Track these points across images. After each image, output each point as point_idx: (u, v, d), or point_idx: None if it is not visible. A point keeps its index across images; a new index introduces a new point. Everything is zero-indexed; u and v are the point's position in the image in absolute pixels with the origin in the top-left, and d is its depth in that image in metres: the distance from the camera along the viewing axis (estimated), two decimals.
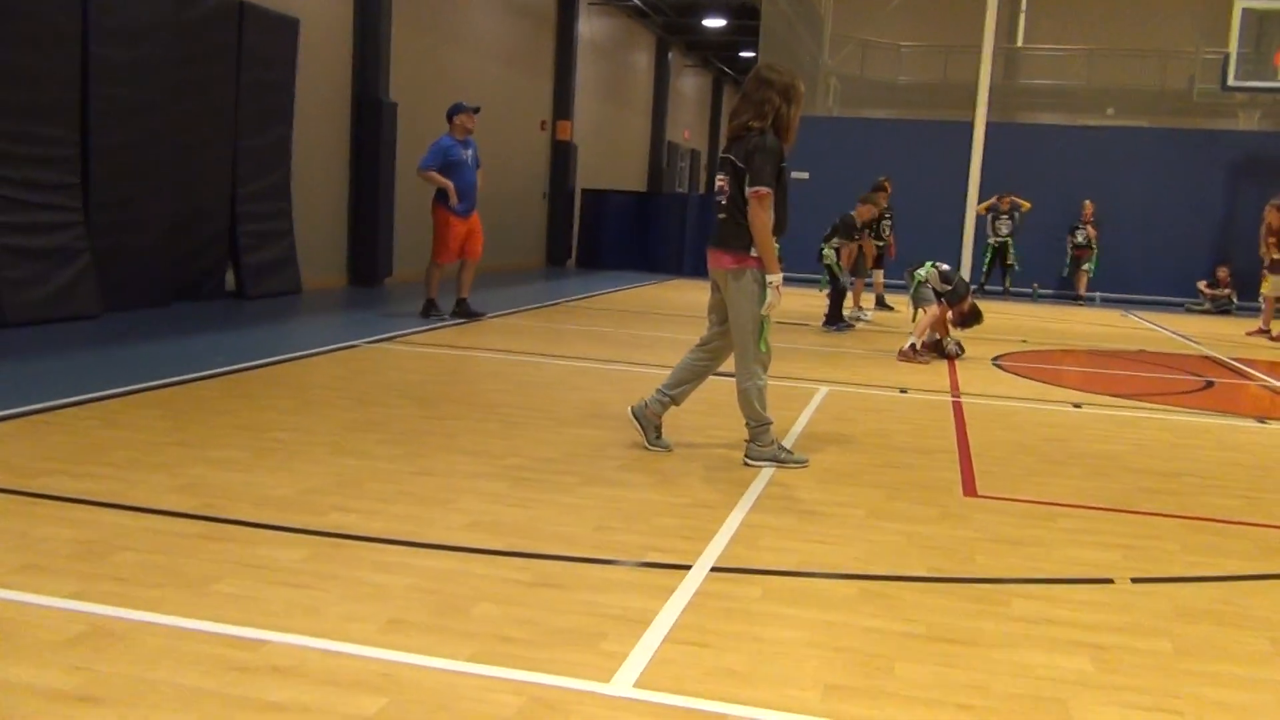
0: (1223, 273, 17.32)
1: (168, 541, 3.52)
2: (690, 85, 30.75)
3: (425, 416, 5.74)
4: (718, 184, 5.10)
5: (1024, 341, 11.23)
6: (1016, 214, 17.30)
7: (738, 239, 4.95)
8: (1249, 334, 13.08)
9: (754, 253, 4.91)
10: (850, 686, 2.72)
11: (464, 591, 3.22)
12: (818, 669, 2.81)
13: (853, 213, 11.40)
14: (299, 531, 3.70)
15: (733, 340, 5.11)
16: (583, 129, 20.96)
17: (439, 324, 9.79)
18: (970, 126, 18.39)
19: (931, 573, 3.66)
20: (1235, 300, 17.18)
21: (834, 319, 11.20)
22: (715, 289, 5.19)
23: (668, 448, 5.23)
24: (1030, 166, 18.37)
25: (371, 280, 13.09)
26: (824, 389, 7.24)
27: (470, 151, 9.94)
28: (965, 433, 6.12)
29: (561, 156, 19.58)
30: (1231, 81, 16.35)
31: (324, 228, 12.60)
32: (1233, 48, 16.02)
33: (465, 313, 10.18)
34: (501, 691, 2.58)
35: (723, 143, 5.25)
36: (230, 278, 10.86)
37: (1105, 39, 24.12)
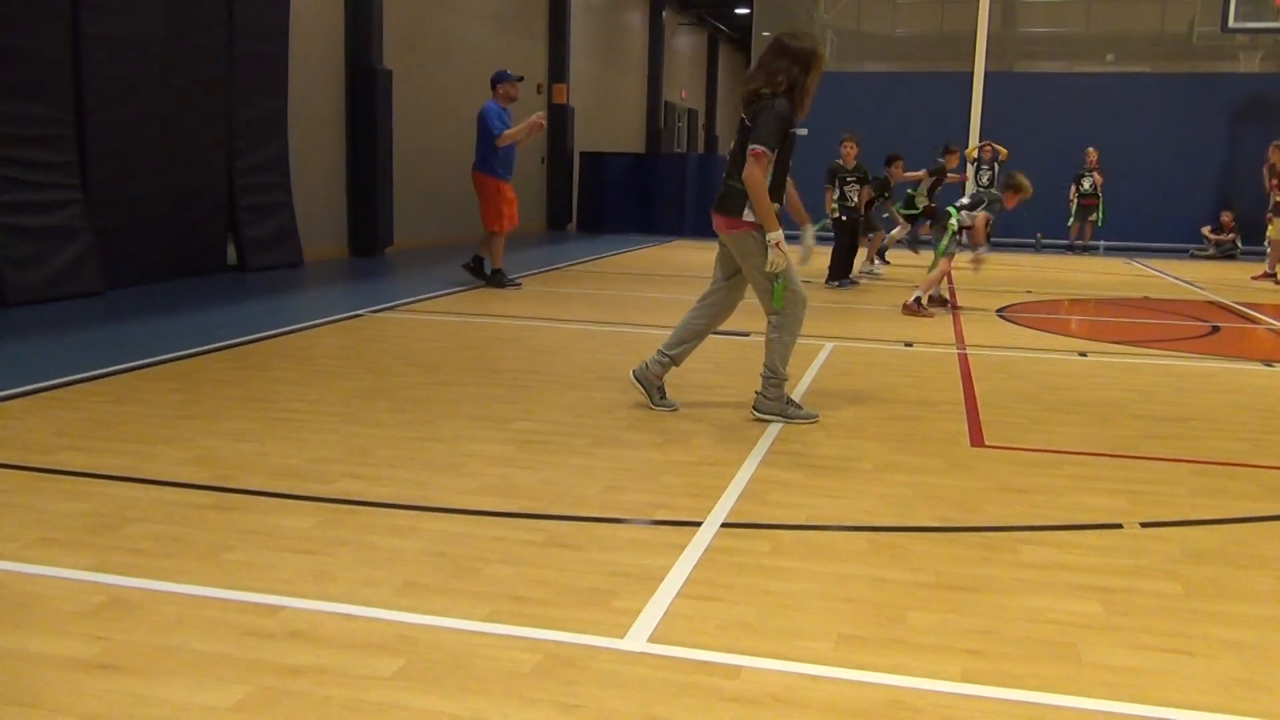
0: (1226, 217, 17.25)
1: (180, 513, 3.55)
2: (685, 44, 30.50)
3: (432, 383, 5.76)
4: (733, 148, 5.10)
5: (1029, 292, 11.21)
6: (996, 163, 17.24)
7: (732, 202, 4.94)
8: (1254, 278, 13.05)
9: (748, 215, 4.88)
10: (861, 636, 2.75)
11: (476, 553, 3.24)
12: (829, 620, 2.84)
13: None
14: (310, 499, 3.73)
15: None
16: (579, 92, 20.82)
17: (472, 287, 9.98)
18: (969, 77, 18.24)
19: (940, 522, 3.68)
20: (1240, 245, 17.12)
21: (839, 274, 11.20)
22: (722, 244, 5.20)
23: (673, 407, 5.24)
24: (1030, 116, 18.26)
25: (372, 250, 13.07)
26: (829, 345, 7.24)
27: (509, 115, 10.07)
28: (971, 384, 6.13)
29: (558, 120, 19.46)
30: (1232, 23, 16.16)
31: (323, 199, 12.57)
32: None
33: (490, 279, 10.19)
34: (517, 649, 2.61)
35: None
36: (231, 251, 10.84)
37: None
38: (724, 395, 5.62)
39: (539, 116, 9.93)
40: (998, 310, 9.50)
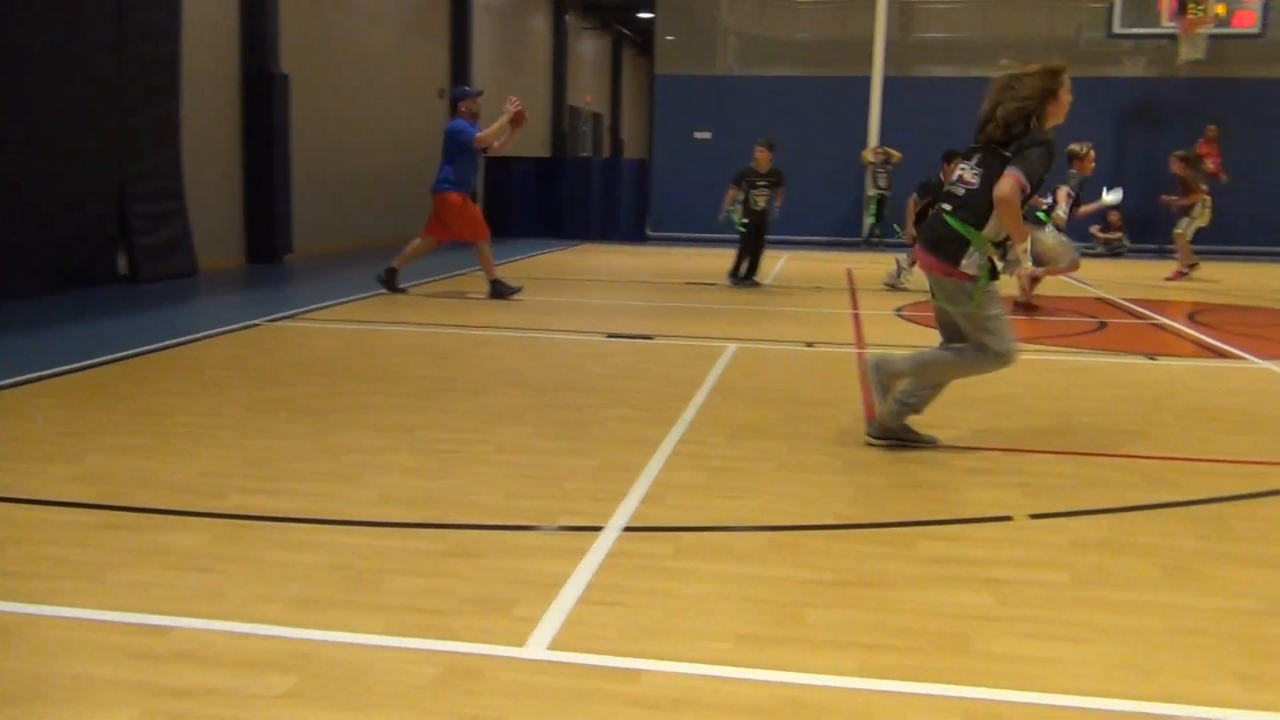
0: (1114, 217, 17.83)
1: (63, 533, 3.43)
2: (589, 48, 30.52)
3: (333, 393, 5.66)
4: (958, 173, 4.68)
5: (928, 291, 11.42)
6: (889, 166, 17.68)
7: (954, 248, 4.51)
8: (1168, 279, 13.34)
9: (966, 266, 4.48)
10: (761, 635, 2.78)
11: (375, 565, 3.20)
12: (729, 620, 2.86)
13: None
14: (202, 515, 3.63)
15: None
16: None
17: (376, 294, 9.82)
18: (868, 81, 18.58)
19: (839, 520, 3.73)
20: (1127, 243, 17.73)
21: (741, 272, 11.38)
22: (933, 281, 4.76)
23: (932, 441, 4.81)
24: (929, 120, 18.63)
25: (271, 258, 12.79)
26: (732, 346, 7.31)
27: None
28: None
29: None
30: (1116, 29, 16.75)
31: (219, 206, 12.26)
32: None
33: (393, 285, 10.06)
34: (416, 662, 2.58)
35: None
36: (122, 261, 10.51)
37: None
38: (630, 398, 5.63)
39: (517, 103, 9.79)
40: (896, 310, 9.69)
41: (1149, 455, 4.71)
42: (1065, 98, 4.66)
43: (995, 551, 3.43)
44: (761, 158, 11.32)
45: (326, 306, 9.10)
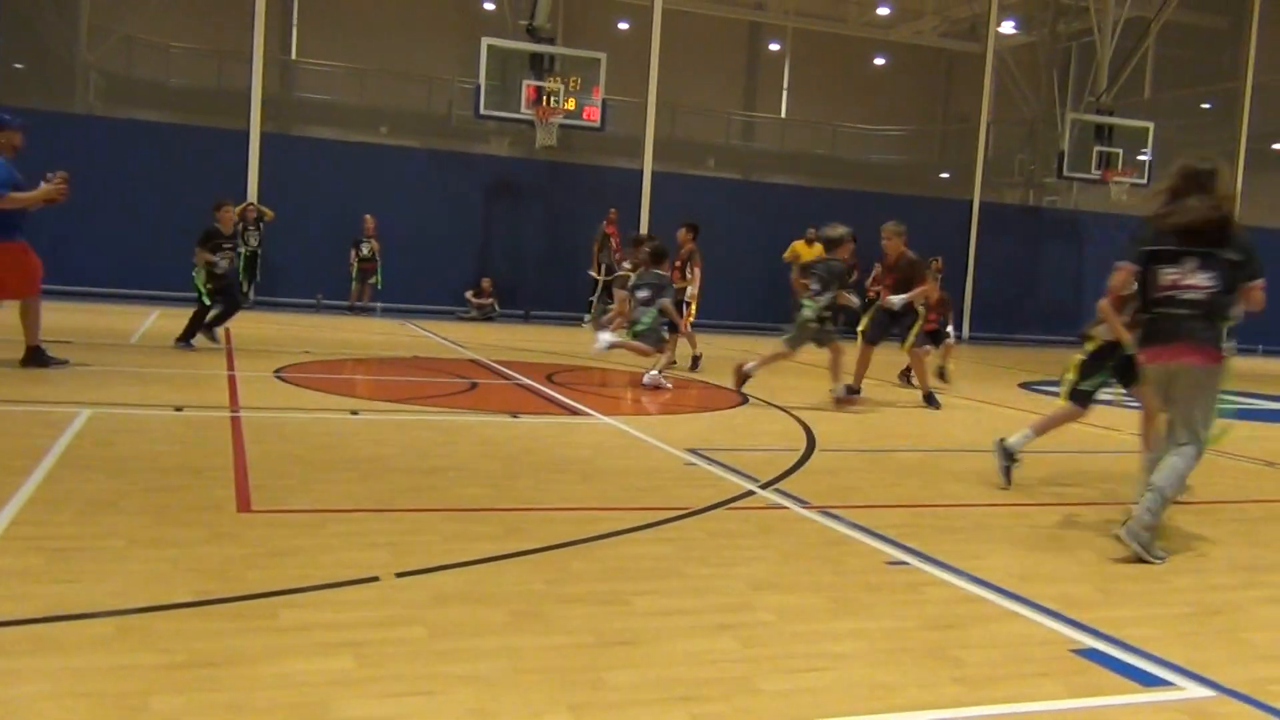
0: (486, 283, 19.19)
1: None
2: None
3: None
4: (1183, 280, 4.87)
5: (307, 352, 11.37)
6: (261, 224, 17.60)
7: (1216, 336, 4.86)
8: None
9: (1225, 349, 4.91)
10: None
11: None
12: None
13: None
14: None
15: (1183, 420, 4.98)
16: None
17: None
18: (247, 135, 18.15)
19: (197, 596, 3.52)
20: (498, 308, 19.16)
21: (190, 335, 10.85)
22: (1167, 380, 5.02)
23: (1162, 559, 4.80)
24: (310, 180, 18.66)
25: None
26: (85, 412, 6.63)
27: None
28: (242, 448, 6.02)
29: None
30: (483, 110, 18.12)
31: None
32: (482, 79, 17.76)
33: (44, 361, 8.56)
34: None
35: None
36: None
37: (375, 60, 25.42)
38: None
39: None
40: (275, 371, 9.49)
41: (506, 508, 5.07)
42: None
43: (359, 613, 3.46)
44: (227, 218, 11.25)
45: None
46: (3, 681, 2.76)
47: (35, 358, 8.56)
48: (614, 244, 17.94)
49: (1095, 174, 22.09)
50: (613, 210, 18.37)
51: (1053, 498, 6.09)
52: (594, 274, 18.16)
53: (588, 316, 18.17)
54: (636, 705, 2.90)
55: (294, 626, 3.30)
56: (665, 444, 6.94)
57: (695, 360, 11.91)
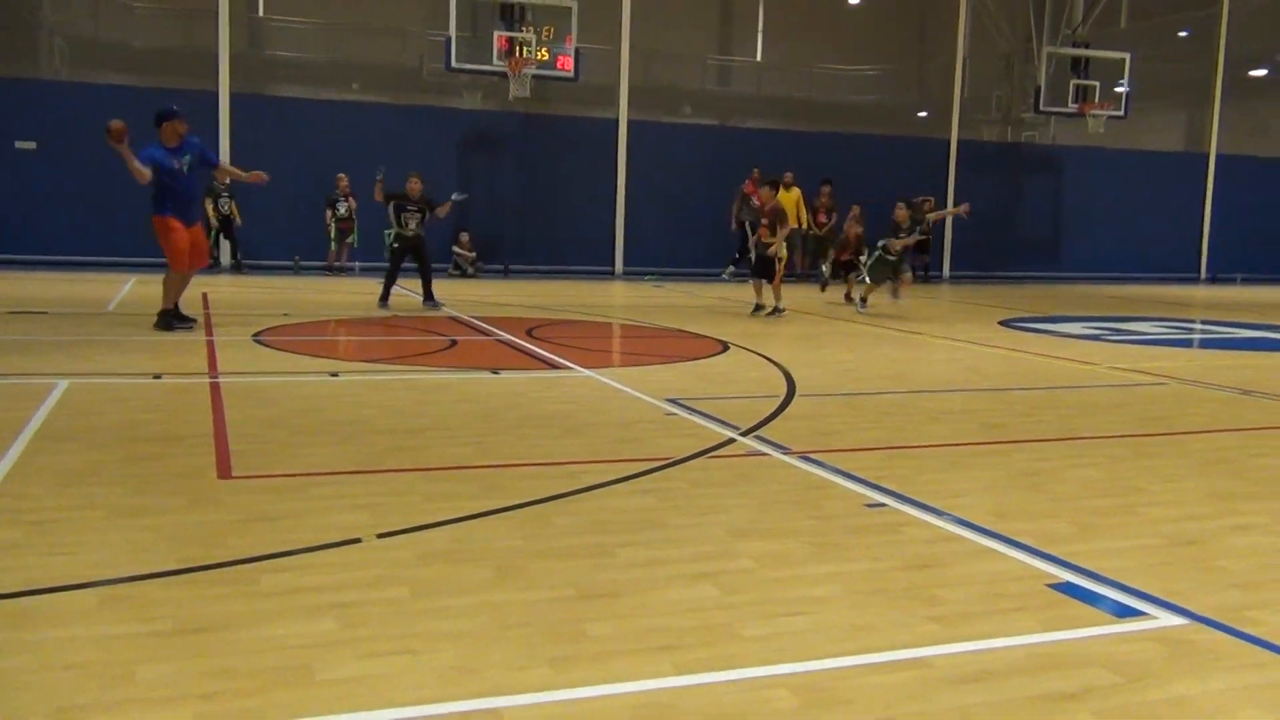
0: (465, 238, 19.05)
1: None
2: None
3: None
4: None
5: (286, 315, 11.32)
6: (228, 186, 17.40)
7: None
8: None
9: None
10: (83, 705, 2.54)
11: None
12: (45, 695, 2.58)
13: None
14: None
15: None
16: None
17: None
18: (215, 96, 17.90)
19: (181, 564, 3.54)
20: (480, 265, 19.05)
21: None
22: None
23: None
24: (282, 140, 18.41)
25: None
26: (63, 382, 6.60)
27: (188, 158, 9.71)
28: (222, 414, 6.01)
29: None
30: (454, 63, 17.89)
31: None
32: (453, 31, 17.51)
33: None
34: None
35: None
36: None
37: (344, 15, 25.02)
38: None
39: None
40: (254, 335, 9.45)
41: (487, 465, 5.09)
42: None
43: (342, 575, 3.49)
44: (413, 186, 12.48)
45: None
46: None
47: (165, 320, 9.53)
48: (756, 202, 17.43)
49: (1073, 107, 22.01)
50: (756, 170, 17.78)
51: (1030, 434, 6.14)
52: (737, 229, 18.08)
53: (731, 268, 19.26)
54: (618, 656, 2.94)
55: (277, 591, 3.32)
56: (646, 395, 6.95)
57: (773, 310, 12.59)
